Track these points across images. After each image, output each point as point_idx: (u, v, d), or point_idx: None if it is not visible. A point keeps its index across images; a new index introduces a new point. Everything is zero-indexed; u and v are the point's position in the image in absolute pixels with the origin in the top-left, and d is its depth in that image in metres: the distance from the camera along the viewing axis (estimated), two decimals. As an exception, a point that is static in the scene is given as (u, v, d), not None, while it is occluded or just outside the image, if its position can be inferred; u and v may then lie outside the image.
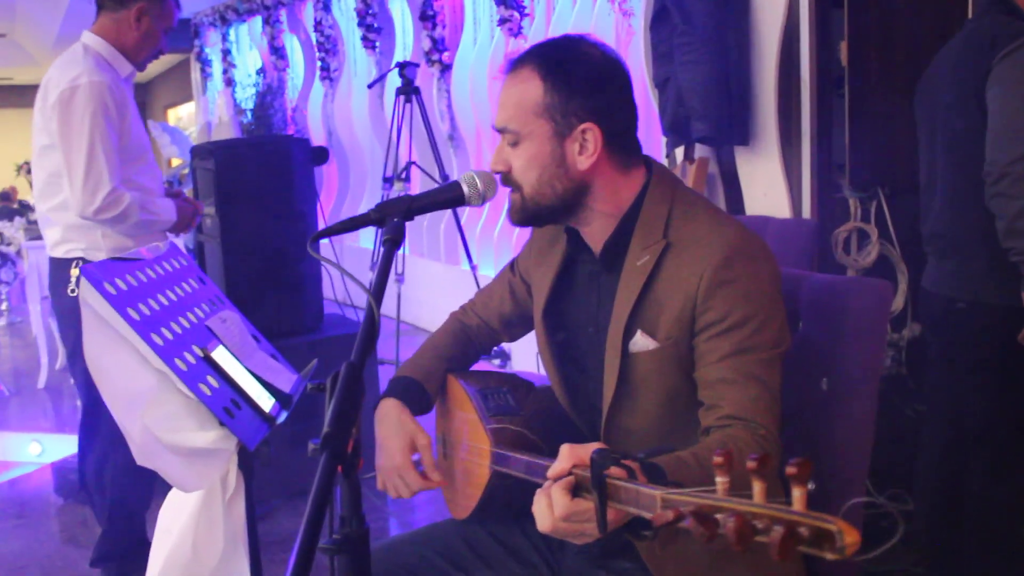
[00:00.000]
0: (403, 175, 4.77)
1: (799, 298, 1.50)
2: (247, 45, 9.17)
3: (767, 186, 3.23)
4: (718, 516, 0.79)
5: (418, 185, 5.59)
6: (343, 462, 0.97)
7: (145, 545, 2.39)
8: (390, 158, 4.95)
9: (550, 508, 1.04)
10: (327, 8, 7.13)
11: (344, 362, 1.02)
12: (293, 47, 8.09)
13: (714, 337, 1.26)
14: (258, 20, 8.42)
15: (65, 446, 3.88)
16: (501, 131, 1.35)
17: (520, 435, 1.42)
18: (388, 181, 4.89)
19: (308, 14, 7.55)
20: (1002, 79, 1.94)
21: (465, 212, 5.52)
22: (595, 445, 1.02)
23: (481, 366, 1.67)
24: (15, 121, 14.93)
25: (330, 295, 3.64)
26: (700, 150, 3.47)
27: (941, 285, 2.17)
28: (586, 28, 4.47)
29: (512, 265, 1.64)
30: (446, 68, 5.70)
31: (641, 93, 3.44)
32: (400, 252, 4.48)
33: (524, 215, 1.37)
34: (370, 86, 5.93)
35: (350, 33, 7.05)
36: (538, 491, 1.07)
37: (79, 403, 3.01)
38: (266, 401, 1.51)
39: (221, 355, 1.50)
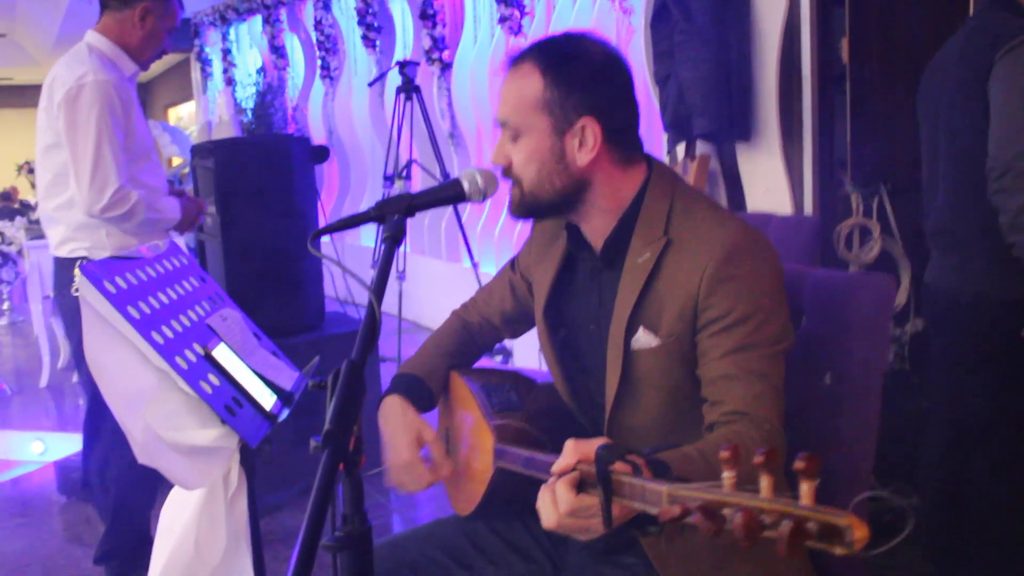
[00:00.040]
0: (404, 173, 4.77)
1: (802, 294, 1.50)
2: (247, 44, 9.17)
3: (769, 183, 3.22)
4: (725, 511, 0.79)
5: (419, 183, 5.60)
6: (345, 459, 0.97)
7: (148, 543, 2.37)
8: (391, 156, 4.95)
9: (554, 504, 1.03)
10: (327, 7, 7.13)
11: (345, 360, 1.02)
12: (293, 46, 8.09)
13: (717, 334, 1.26)
14: (258, 19, 8.42)
15: (68, 445, 3.89)
16: (502, 125, 1.35)
17: (523, 431, 1.42)
18: (389, 179, 4.89)
19: (308, 13, 7.55)
20: (1004, 75, 1.94)
21: (466, 210, 5.52)
22: (600, 440, 1.01)
23: (483, 363, 1.67)
24: (15, 121, 14.96)
25: (331, 293, 3.64)
26: (701, 147, 3.46)
27: (944, 280, 2.17)
28: (586, 26, 4.46)
29: (513, 263, 1.64)
30: (446, 66, 5.70)
31: (642, 90, 3.43)
32: (401, 250, 4.49)
33: (523, 209, 1.37)
34: (370, 85, 5.94)
35: (350, 32, 7.05)
36: (542, 487, 1.06)
37: (82, 402, 3.01)
38: (267, 399, 1.51)
39: (222, 353, 1.50)
